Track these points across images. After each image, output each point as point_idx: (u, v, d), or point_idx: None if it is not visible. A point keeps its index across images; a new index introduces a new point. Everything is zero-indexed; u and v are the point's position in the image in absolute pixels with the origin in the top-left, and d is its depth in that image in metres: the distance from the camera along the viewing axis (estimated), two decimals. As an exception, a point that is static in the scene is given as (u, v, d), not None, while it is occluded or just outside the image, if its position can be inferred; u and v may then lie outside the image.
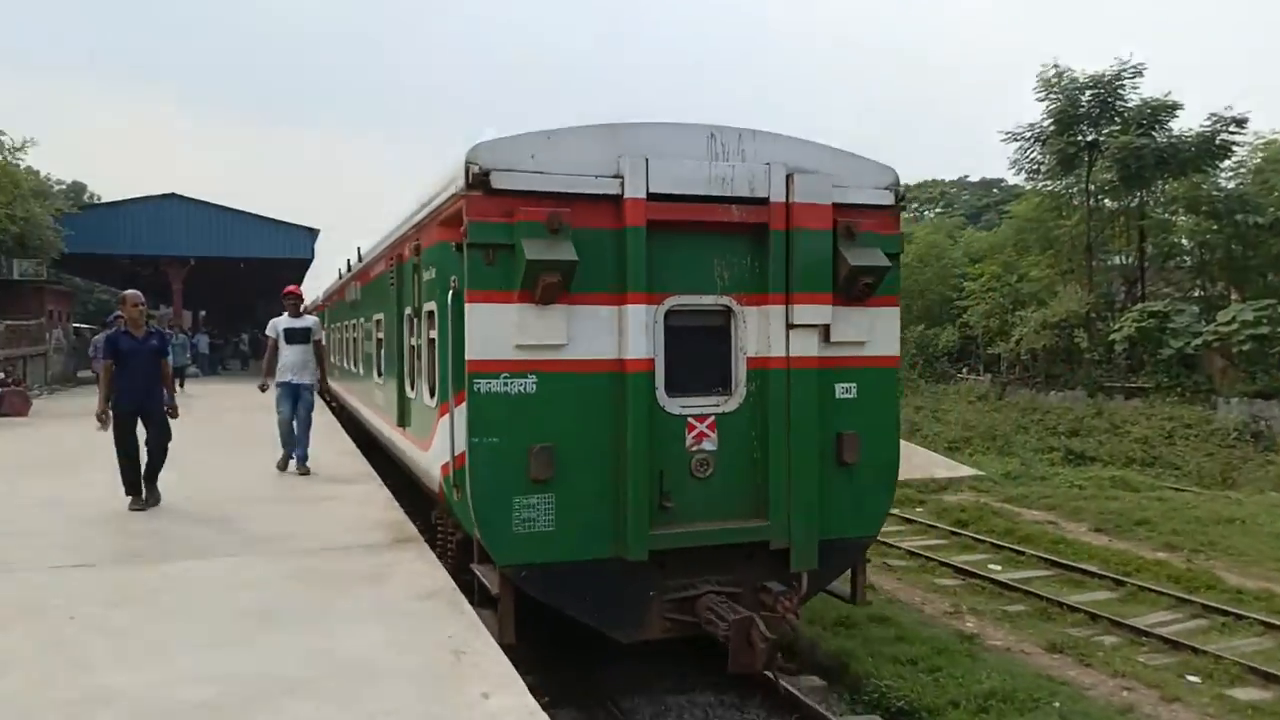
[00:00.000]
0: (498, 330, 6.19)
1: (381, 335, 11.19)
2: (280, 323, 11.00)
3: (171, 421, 8.82)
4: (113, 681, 4.53)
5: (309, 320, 11.32)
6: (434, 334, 7.60)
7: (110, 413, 8.44)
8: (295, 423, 10.75)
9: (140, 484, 8.61)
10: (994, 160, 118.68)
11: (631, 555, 6.30)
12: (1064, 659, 8.80)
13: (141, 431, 8.65)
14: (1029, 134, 31.64)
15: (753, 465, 6.72)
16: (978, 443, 20.85)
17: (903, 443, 18.65)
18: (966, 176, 66.07)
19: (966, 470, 17.70)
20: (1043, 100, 30.81)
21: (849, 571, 7.29)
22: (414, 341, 8.77)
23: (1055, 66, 30.42)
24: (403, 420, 9.38)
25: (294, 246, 33.17)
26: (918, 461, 17.98)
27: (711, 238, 6.62)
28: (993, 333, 31.42)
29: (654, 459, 6.40)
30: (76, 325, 35.38)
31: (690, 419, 6.62)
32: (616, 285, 6.35)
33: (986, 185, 62.25)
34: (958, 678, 7.72)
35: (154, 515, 8.31)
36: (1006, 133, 32.27)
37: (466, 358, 6.24)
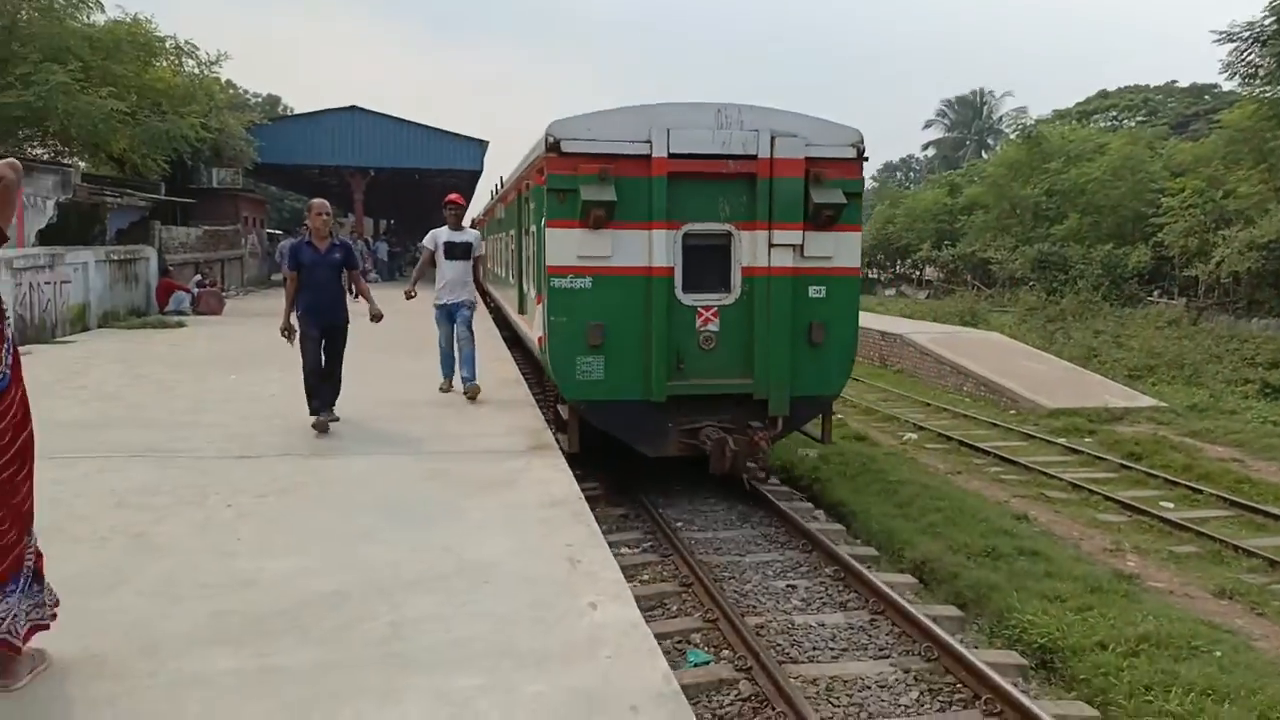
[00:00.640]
0: (566, 246, 8.86)
1: (514, 247, 13.70)
2: (440, 235, 10.11)
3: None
4: (255, 567, 4.85)
5: (470, 234, 10.41)
6: (535, 247, 10.20)
7: (295, 328, 8.23)
8: (457, 344, 10.06)
9: (325, 403, 8.29)
10: (1206, 64, 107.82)
11: (655, 398, 9.02)
12: (1233, 606, 8.16)
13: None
14: (1246, 34, 28.46)
15: (744, 341, 9.26)
16: (1162, 371, 19.31)
17: (1076, 368, 17.68)
18: (1175, 81, 60.36)
19: (1146, 400, 16.48)
20: (1267, -6, 27.59)
21: (820, 418, 10.07)
22: (528, 253, 11.41)
23: (1285, -44, 27.11)
24: (522, 309, 11.63)
25: (465, 158, 34.00)
26: (1090, 389, 16.93)
27: (716, 183, 9.04)
28: (1191, 253, 28.94)
29: (672, 335, 9.05)
30: (270, 231, 37.67)
31: (699, 309, 9.19)
32: (646, 216, 8.87)
33: (1197, 92, 56.65)
34: (1109, 618, 7.26)
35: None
36: (1220, 33, 29.14)
37: (547, 263, 8.98)
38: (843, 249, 9.43)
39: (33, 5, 20.82)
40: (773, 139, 9.01)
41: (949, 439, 14.12)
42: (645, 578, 8.11)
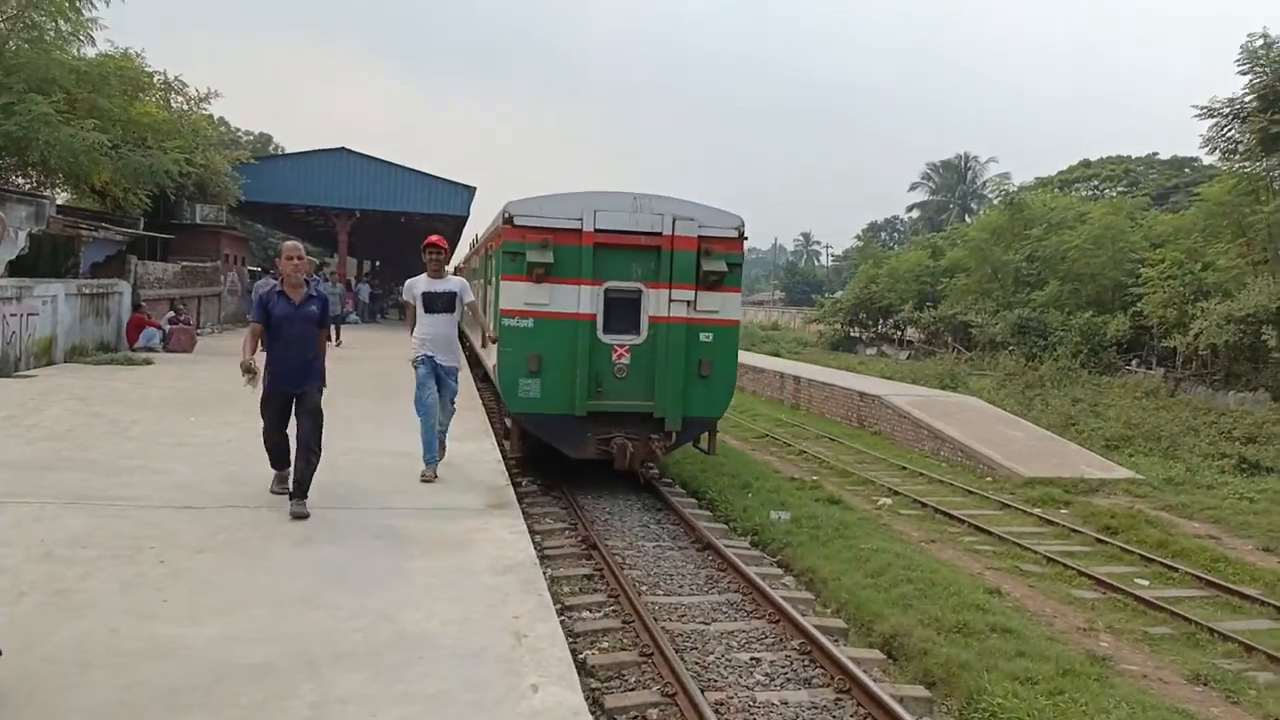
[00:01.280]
0: (515, 295, 11.46)
1: (481, 294, 15.52)
2: (418, 285, 8.83)
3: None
4: (177, 633, 4.55)
5: (454, 283, 8.96)
6: (494, 294, 12.80)
7: (258, 370, 6.96)
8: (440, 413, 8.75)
9: (288, 458, 7.16)
10: (1188, 138, 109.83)
11: (577, 413, 11.55)
12: (1208, 693, 7.90)
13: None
14: (1227, 110, 28.85)
15: (649, 372, 11.83)
16: (1139, 443, 19.10)
17: (1053, 437, 17.48)
18: (1156, 154, 61.23)
19: (1122, 472, 16.30)
20: (1246, 74, 27.97)
21: (706, 434, 12.59)
22: (489, 298, 13.86)
23: (1264, 37, 27.55)
24: (484, 343, 13.46)
25: (452, 203, 33.92)
26: (1067, 459, 16.75)
27: (631, 252, 11.70)
28: (1169, 324, 28.98)
29: (593, 365, 11.60)
30: (252, 269, 37.39)
31: (615, 346, 11.76)
32: (577, 275, 11.50)
33: (1177, 164, 57.49)
34: (1081, 704, 7.00)
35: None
36: (1201, 108, 29.53)
37: (500, 307, 11.69)
38: (726, 305, 12.19)
39: (22, 36, 20.69)
40: (674, 221, 11.74)
41: (924, 505, 13.88)
42: (605, 645, 7.79)
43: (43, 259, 17.57)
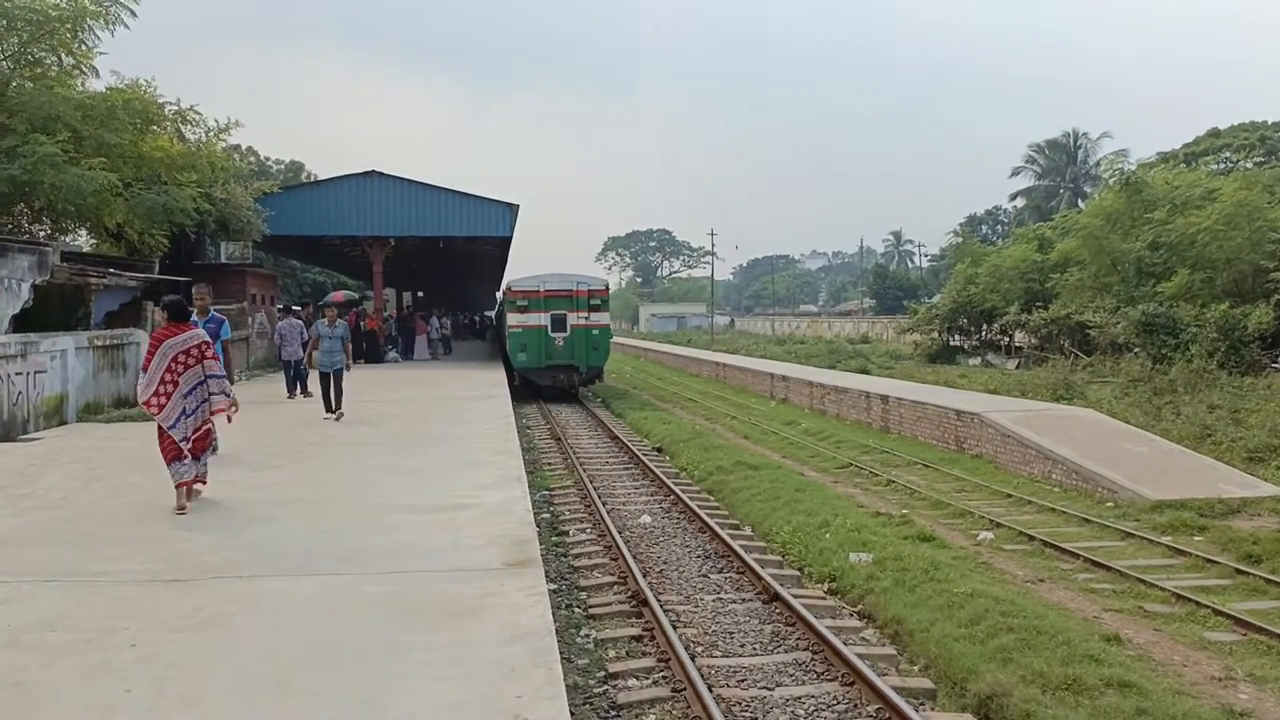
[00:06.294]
0: (514, 319, 33.67)
1: (504, 321, 35.63)
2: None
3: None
4: (134, 729, 4.47)
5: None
6: (505, 319, 35.59)
7: None
8: None
9: None
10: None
11: (542, 366, 33.43)
12: (1372, 754, 7.36)
13: None
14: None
15: (571, 348, 33.65)
16: (1290, 452, 18.25)
17: (1186, 451, 16.68)
18: (1295, 117, 59.16)
19: (1268, 489, 15.44)
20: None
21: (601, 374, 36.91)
22: (504, 321, 35.92)
23: None
24: (501, 342, 36.77)
25: (494, 224, 34.35)
26: (1202, 476, 15.95)
27: (561, 298, 33.58)
28: (1321, 312, 27.75)
29: (547, 346, 33.42)
30: (281, 306, 38.17)
31: (556, 337, 33.41)
32: (538, 309, 33.38)
33: (1324, 127, 55.49)
34: (1214, 772, 6.56)
35: (269, 521, 8.49)
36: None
37: (508, 325, 34.22)
38: (602, 318, 34.49)
39: (25, 74, 21.45)
40: (577, 283, 33.68)
41: (1031, 538, 13.35)
42: (652, 718, 7.61)
43: (51, 311, 18.07)
